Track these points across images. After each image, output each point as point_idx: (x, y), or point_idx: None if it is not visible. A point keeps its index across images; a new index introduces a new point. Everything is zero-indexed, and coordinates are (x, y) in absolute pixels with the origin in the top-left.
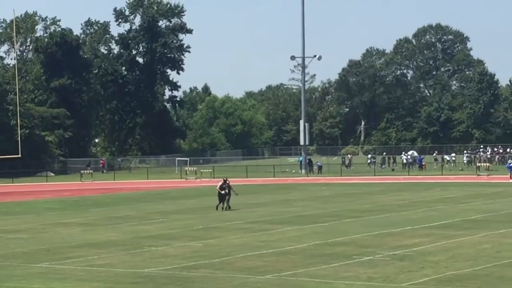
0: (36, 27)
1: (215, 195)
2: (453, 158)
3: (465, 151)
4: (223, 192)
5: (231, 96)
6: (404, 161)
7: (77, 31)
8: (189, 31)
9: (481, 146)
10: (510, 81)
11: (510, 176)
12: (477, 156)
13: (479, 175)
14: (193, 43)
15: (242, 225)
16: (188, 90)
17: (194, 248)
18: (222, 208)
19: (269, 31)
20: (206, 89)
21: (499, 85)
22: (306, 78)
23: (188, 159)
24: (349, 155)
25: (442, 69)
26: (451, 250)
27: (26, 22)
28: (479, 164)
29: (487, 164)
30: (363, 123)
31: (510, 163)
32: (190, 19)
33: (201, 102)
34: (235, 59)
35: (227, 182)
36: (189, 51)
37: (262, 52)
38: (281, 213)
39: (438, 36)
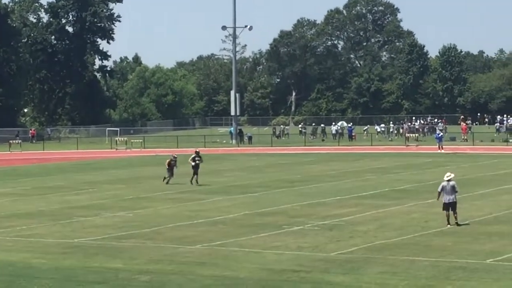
0: None
1: (145, 165)
2: (383, 129)
3: (391, 123)
4: (193, 164)
5: (162, 66)
6: (333, 131)
7: None
8: (120, 0)
9: (414, 118)
10: (439, 52)
11: (439, 147)
12: (406, 126)
13: (408, 145)
14: (124, 12)
15: (172, 195)
16: (118, 60)
17: (124, 218)
18: (197, 181)
19: (200, 0)
20: (136, 58)
21: (429, 56)
22: (237, 49)
23: (118, 129)
24: (281, 126)
25: (373, 40)
26: (380, 219)
27: None
28: (408, 134)
29: (416, 134)
30: (294, 93)
31: (438, 134)
32: None
33: (131, 72)
34: (166, 28)
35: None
36: (119, 21)
37: (193, 22)
38: (212, 183)
39: (369, 7)
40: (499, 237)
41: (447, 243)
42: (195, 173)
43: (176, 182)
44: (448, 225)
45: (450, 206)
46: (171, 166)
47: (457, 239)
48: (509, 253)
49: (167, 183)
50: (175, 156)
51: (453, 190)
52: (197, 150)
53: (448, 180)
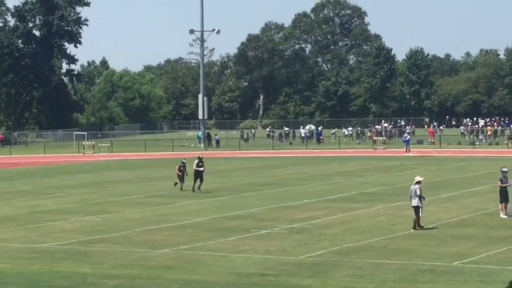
0: None
1: (113, 169)
2: (350, 132)
3: (357, 126)
4: (201, 169)
5: (130, 70)
6: (303, 134)
7: None
8: (87, 4)
9: (383, 121)
10: (406, 56)
11: (406, 150)
12: (373, 130)
13: (375, 149)
14: (91, 16)
15: (140, 199)
16: (85, 64)
17: (92, 223)
18: (199, 188)
19: (168, 4)
20: (104, 62)
21: (396, 59)
22: (205, 52)
23: (86, 133)
24: (252, 130)
25: (340, 43)
26: (348, 223)
27: None
28: (376, 138)
29: (384, 138)
30: (261, 97)
31: (405, 137)
32: None
33: (99, 76)
34: (133, 32)
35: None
36: (86, 24)
37: (161, 26)
38: (179, 187)
39: (336, 11)
40: (466, 240)
41: (414, 246)
42: (200, 179)
43: (159, 186)
44: (412, 230)
45: (414, 210)
46: (181, 171)
47: (425, 242)
48: (475, 255)
49: (181, 189)
50: (184, 161)
51: (415, 194)
52: (200, 155)
53: (416, 183)
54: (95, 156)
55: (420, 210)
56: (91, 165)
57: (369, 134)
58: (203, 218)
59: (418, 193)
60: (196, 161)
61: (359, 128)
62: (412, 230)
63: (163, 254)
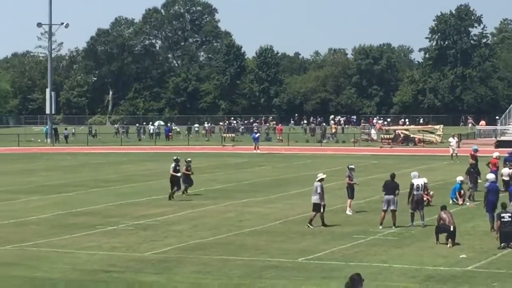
0: None
1: None
2: (196, 129)
3: (206, 123)
4: (178, 174)
5: None
6: (151, 131)
7: None
8: None
9: (232, 118)
10: (256, 53)
11: (255, 147)
12: (222, 127)
13: (224, 145)
14: None
15: None
16: None
17: None
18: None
19: None
20: None
21: (246, 57)
22: (53, 46)
23: None
24: (116, 125)
25: (191, 40)
26: (195, 219)
27: None
28: (224, 134)
29: (232, 134)
30: (111, 92)
31: (255, 134)
32: None
33: None
34: None
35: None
36: None
37: (7, 18)
38: (25, 182)
39: (187, 7)
40: (311, 236)
41: (261, 242)
42: (177, 185)
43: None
44: (306, 226)
45: (313, 206)
46: (188, 171)
47: (271, 238)
48: (320, 251)
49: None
50: (188, 159)
51: (316, 191)
52: (177, 157)
53: (318, 180)
54: None
55: (322, 208)
56: None
57: (203, 131)
58: (47, 215)
59: (319, 190)
60: (173, 165)
61: (207, 124)
62: (307, 226)
63: (5, 251)
